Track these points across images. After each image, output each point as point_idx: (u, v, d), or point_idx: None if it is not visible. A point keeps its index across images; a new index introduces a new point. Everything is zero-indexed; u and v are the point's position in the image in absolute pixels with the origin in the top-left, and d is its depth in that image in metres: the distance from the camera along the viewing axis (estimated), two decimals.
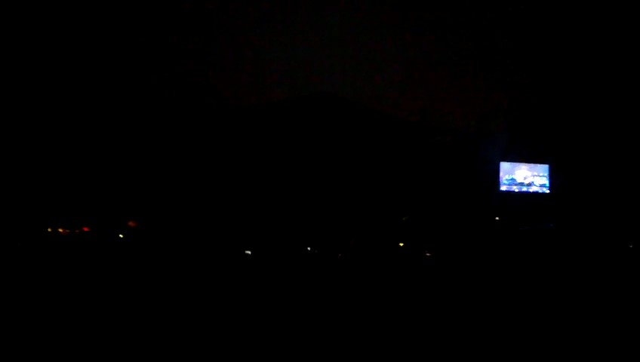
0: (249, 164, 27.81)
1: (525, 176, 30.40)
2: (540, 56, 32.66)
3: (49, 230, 24.73)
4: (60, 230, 24.74)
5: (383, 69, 36.33)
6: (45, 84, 27.33)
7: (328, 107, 28.43)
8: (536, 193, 30.33)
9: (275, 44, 38.90)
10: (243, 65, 34.23)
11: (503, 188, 29.95)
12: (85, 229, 24.93)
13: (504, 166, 30.18)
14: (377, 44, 36.83)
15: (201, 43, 34.32)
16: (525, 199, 30.02)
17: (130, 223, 25.81)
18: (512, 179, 30.18)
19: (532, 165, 30.56)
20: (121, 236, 24.75)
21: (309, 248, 25.53)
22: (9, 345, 6.50)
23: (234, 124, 28.90)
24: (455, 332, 8.37)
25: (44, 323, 7.95)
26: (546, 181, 30.71)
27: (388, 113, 30.14)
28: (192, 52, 33.63)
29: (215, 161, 27.91)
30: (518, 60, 32.73)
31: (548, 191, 30.69)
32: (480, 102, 32.03)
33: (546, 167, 30.94)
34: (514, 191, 30.08)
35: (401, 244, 28.36)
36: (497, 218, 28.57)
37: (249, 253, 25.75)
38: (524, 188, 30.20)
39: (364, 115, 29.14)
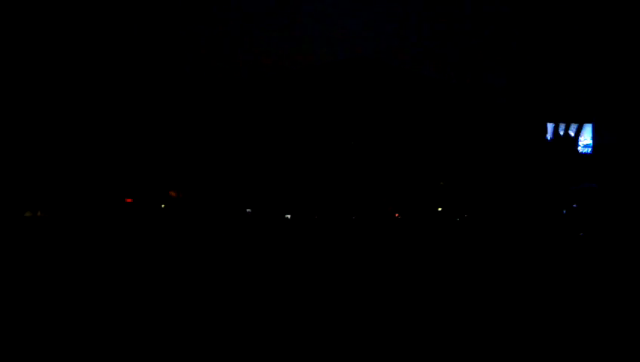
0: (287, 131, 27.72)
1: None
2: (580, 12, 31.22)
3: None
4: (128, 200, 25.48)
5: (417, 30, 35.24)
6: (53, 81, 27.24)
7: (365, 71, 28.06)
8: (580, 154, 29.51)
9: (306, 7, 37.91)
10: (277, 31, 33.58)
11: None
12: (128, 201, 25.41)
13: (548, 127, 29.26)
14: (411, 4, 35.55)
15: (228, 9, 33.62)
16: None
17: (172, 193, 26.17)
18: None
19: (575, 125, 29.57)
20: (163, 206, 25.25)
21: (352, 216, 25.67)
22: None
23: (271, 91, 28.72)
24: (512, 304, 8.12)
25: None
26: (589, 140, 29.85)
27: (426, 75, 29.52)
28: (222, 18, 33.03)
29: (254, 130, 27.89)
30: (557, 17, 31.38)
31: (591, 151, 29.87)
32: (521, 62, 30.84)
33: (589, 126, 29.99)
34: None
35: (440, 209, 28.22)
36: (541, 180, 27.94)
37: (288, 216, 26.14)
38: None
39: (403, 79, 28.64)
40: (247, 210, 26.63)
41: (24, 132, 25.55)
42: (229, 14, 33.59)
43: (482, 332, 6.64)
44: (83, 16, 27.65)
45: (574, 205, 25.61)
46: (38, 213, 24.76)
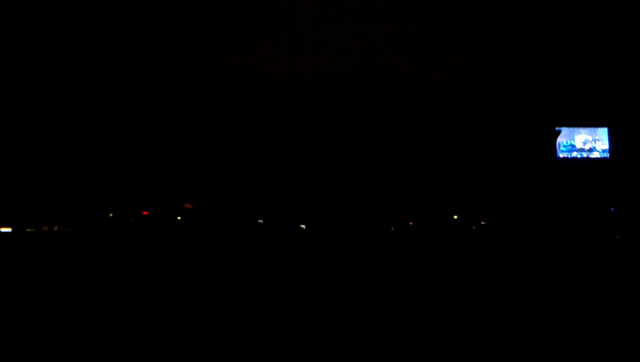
0: (300, 142, 27.73)
1: (585, 141, 29.23)
2: (595, 17, 31.03)
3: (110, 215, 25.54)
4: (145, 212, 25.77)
5: (429, 38, 35.21)
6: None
7: (377, 79, 28.03)
8: (596, 159, 29.17)
9: (319, 13, 37.74)
10: (287, 39, 33.66)
11: (562, 155, 28.88)
12: (145, 213, 25.57)
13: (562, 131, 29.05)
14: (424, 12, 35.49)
15: (240, 16, 33.73)
16: (585, 165, 28.93)
17: (187, 205, 26.30)
18: (572, 145, 29.06)
19: (591, 129, 29.31)
20: (179, 218, 25.38)
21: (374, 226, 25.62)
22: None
23: (283, 102, 28.78)
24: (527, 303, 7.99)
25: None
26: (606, 145, 29.50)
27: (436, 81, 29.44)
28: (233, 26, 33.17)
29: (267, 141, 27.96)
30: (573, 21, 31.21)
31: (608, 156, 29.53)
32: (533, 66, 30.71)
33: (604, 130, 29.66)
34: (574, 158, 28.94)
35: (455, 217, 28.01)
36: (554, 186, 27.72)
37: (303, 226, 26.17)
38: (585, 154, 29.03)
39: (414, 85, 28.57)
40: (259, 220, 26.69)
41: (42, 149, 25.89)
42: (238, 28, 33.89)
43: (508, 339, 6.54)
44: (103, 34, 28.19)
45: (612, 208, 25.24)
46: (55, 228, 24.99)
